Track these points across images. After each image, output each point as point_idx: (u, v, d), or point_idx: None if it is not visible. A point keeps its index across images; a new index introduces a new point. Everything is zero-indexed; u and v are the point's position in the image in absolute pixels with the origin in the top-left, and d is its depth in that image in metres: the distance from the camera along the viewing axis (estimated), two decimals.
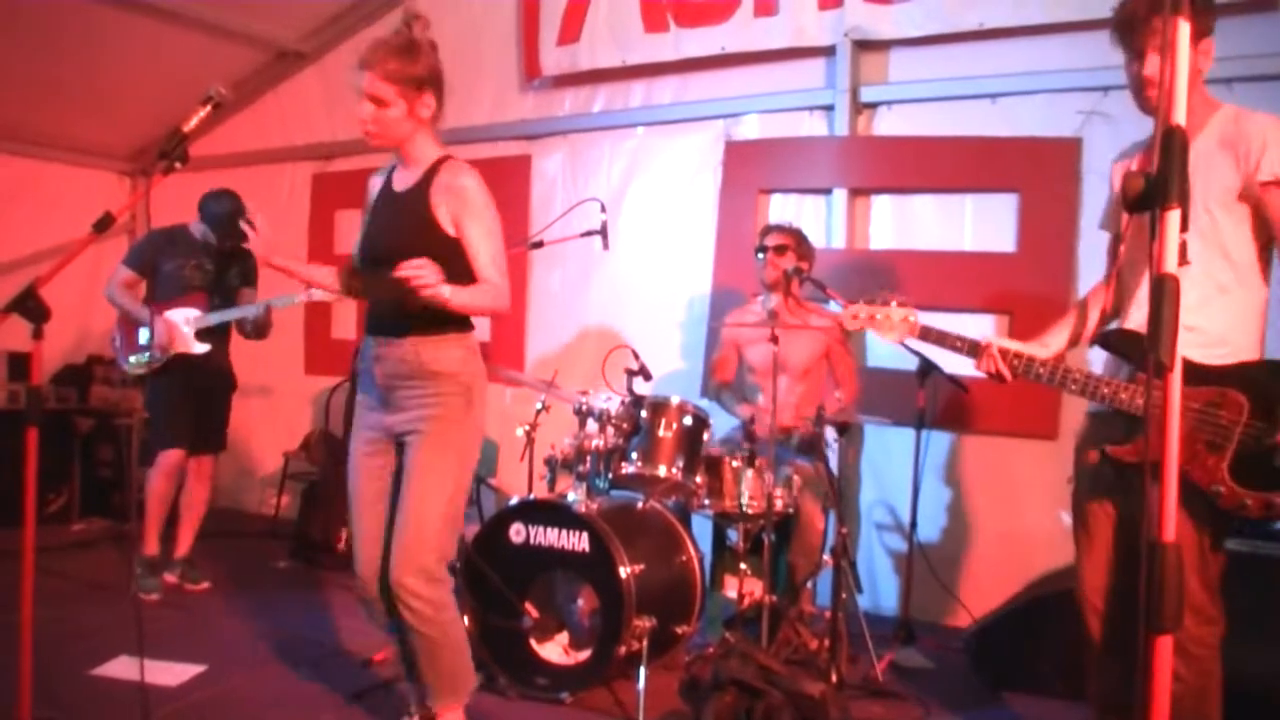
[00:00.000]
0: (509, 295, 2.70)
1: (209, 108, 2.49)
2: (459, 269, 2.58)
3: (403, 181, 2.70)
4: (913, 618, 4.02)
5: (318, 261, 3.21)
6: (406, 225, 2.63)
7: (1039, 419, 4.24)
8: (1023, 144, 4.35)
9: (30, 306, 2.32)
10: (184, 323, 4.40)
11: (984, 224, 4.49)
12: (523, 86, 5.70)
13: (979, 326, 4.44)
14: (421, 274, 2.43)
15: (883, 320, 2.69)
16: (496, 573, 3.39)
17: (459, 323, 2.70)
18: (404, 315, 2.61)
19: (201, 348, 4.41)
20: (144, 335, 4.44)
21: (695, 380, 4.93)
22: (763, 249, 4.05)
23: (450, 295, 2.50)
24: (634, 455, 3.62)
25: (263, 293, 4.59)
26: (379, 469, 2.74)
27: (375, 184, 2.80)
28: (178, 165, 2.43)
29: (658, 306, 5.20)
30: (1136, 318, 2.39)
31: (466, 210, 2.61)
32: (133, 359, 4.47)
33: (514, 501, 3.55)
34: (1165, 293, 1.38)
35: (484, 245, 2.62)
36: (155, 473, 4.48)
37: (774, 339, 3.55)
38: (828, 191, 4.80)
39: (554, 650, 3.41)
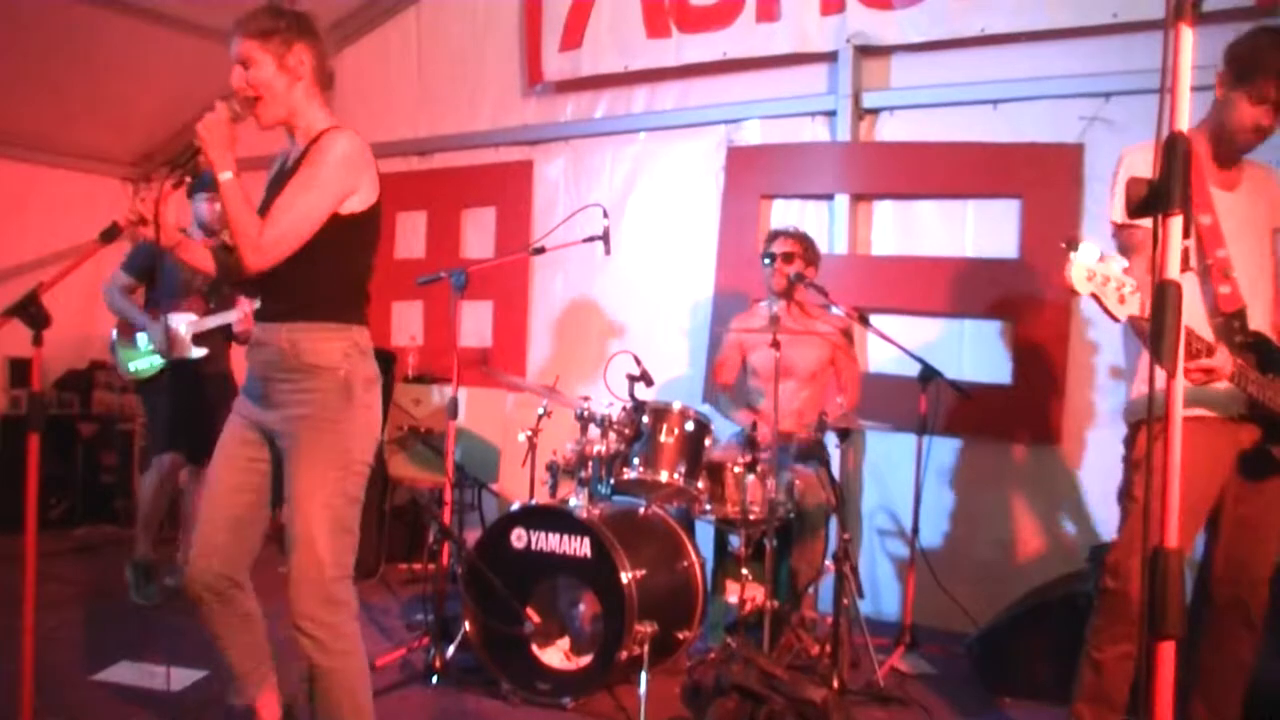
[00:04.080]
0: (270, 255, 2.32)
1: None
2: (329, 246, 2.38)
3: (290, 160, 2.49)
4: (915, 623, 4.01)
5: None
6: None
7: (1041, 424, 4.24)
8: (1025, 150, 4.35)
9: (31, 312, 2.32)
10: (181, 327, 4.41)
11: (986, 230, 4.48)
12: (525, 92, 5.70)
13: (981, 332, 4.45)
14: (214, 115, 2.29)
15: (1111, 287, 2.11)
16: (498, 578, 3.38)
17: (342, 312, 2.44)
18: (281, 299, 2.41)
19: (198, 352, 4.40)
20: (142, 340, 4.44)
21: (697, 385, 4.93)
22: (769, 256, 4.04)
23: (226, 176, 2.28)
24: (636, 461, 3.62)
25: None
26: (248, 461, 2.49)
27: (272, 170, 2.60)
28: (188, 180, 2.40)
29: (660, 312, 5.20)
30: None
31: (305, 162, 2.38)
32: (132, 365, 4.47)
33: (515, 507, 3.54)
34: (1168, 298, 1.37)
35: (291, 191, 2.34)
36: (149, 476, 4.49)
37: (775, 345, 3.55)
38: (830, 197, 4.80)
39: (556, 655, 3.41)
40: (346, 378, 2.40)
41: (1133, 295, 2.01)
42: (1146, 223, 2.44)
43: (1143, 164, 2.40)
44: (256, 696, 2.65)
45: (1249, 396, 2.39)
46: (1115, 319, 2.01)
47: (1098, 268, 1.96)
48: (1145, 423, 2.48)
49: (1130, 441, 2.62)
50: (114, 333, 4.56)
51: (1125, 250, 2.51)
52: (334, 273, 2.43)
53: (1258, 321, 2.48)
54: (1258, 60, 2.39)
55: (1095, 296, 1.99)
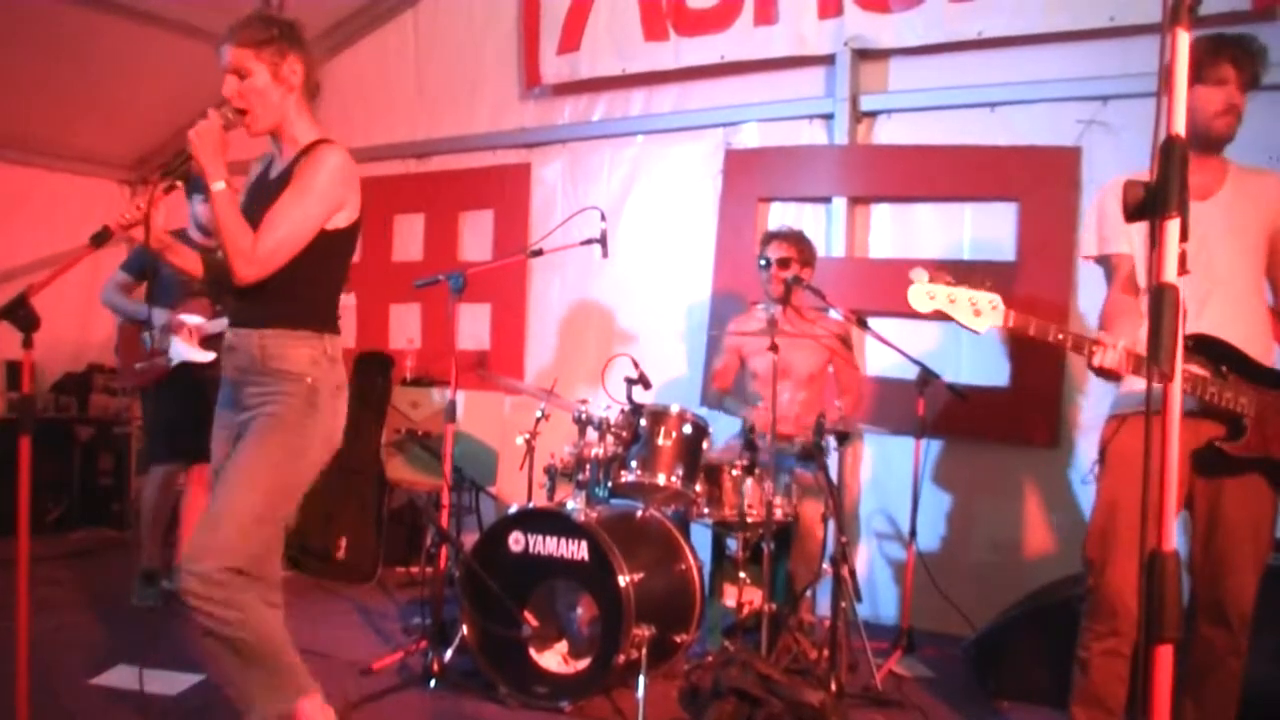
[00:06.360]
0: (263, 267, 2.35)
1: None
2: (311, 257, 2.40)
3: (277, 169, 2.51)
4: (912, 626, 4.02)
5: None
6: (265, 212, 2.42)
7: (1038, 427, 4.24)
8: (1022, 153, 4.35)
9: (20, 314, 2.32)
10: (190, 330, 4.37)
11: (983, 233, 4.49)
12: (523, 95, 5.70)
13: (978, 335, 4.44)
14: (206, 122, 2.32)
15: (962, 304, 2.35)
16: (495, 581, 3.38)
17: (315, 320, 2.47)
18: (257, 304, 2.42)
19: (206, 356, 4.34)
20: (148, 341, 4.41)
21: (695, 388, 4.92)
22: (765, 260, 4.04)
23: (218, 186, 2.31)
24: (633, 464, 3.62)
25: None
26: None
27: (253, 172, 2.62)
28: (179, 185, 2.42)
29: (657, 315, 5.20)
30: (1204, 322, 2.49)
31: (298, 175, 2.40)
32: (139, 366, 4.44)
33: (513, 510, 3.53)
34: (1166, 302, 1.37)
35: (285, 204, 2.37)
36: (148, 485, 4.48)
37: (773, 348, 3.55)
38: (827, 200, 4.80)
39: (553, 659, 3.40)
40: (313, 385, 2.43)
41: (993, 310, 2.35)
42: (1121, 247, 2.62)
43: (1115, 203, 2.45)
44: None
45: (1195, 396, 2.41)
46: (974, 332, 2.37)
47: (940, 290, 2.30)
48: (1113, 418, 2.64)
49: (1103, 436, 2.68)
50: (117, 336, 4.51)
51: (1107, 277, 2.70)
52: (311, 283, 2.47)
53: (1218, 324, 2.49)
54: (1205, 53, 2.46)
55: (940, 313, 2.31)
